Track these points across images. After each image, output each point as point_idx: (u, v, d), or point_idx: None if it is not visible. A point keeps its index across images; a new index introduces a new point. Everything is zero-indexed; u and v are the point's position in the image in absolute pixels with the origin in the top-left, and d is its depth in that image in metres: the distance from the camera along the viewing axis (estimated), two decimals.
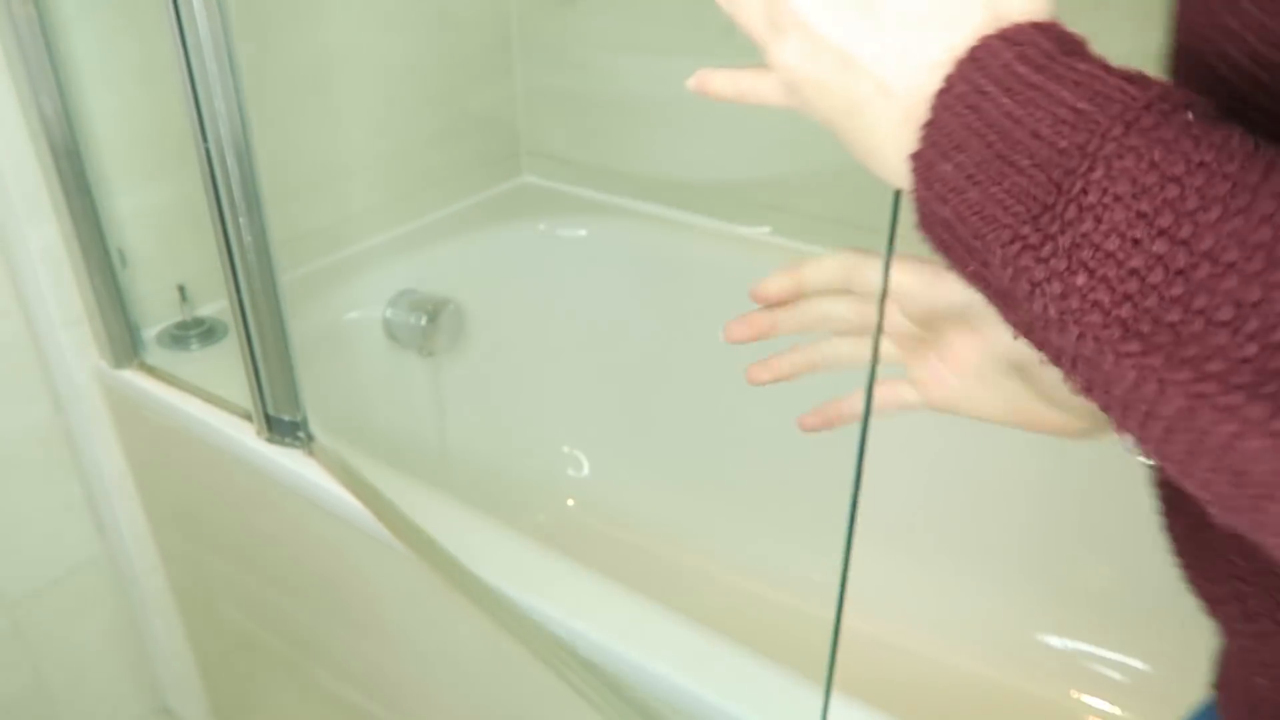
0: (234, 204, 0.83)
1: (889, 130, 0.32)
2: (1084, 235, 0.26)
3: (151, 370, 1.06)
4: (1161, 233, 0.25)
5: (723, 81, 0.42)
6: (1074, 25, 0.30)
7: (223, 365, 1.05)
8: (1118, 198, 0.26)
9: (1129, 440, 0.29)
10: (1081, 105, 0.27)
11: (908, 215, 0.34)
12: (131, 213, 1.05)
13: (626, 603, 0.76)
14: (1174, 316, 0.25)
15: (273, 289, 0.87)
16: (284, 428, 0.93)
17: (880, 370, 0.49)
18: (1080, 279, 0.27)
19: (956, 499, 1.18)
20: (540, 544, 0.82)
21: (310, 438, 0.93)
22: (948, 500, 1.18)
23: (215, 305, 1.14)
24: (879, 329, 0.49)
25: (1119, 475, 1.09)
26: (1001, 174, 0.29)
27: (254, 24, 1.07)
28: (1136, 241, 0.26)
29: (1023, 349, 0.34)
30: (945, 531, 1.19)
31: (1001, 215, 0.29)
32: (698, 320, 1.33)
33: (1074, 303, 0.27)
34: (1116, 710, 1.10)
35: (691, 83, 0.43)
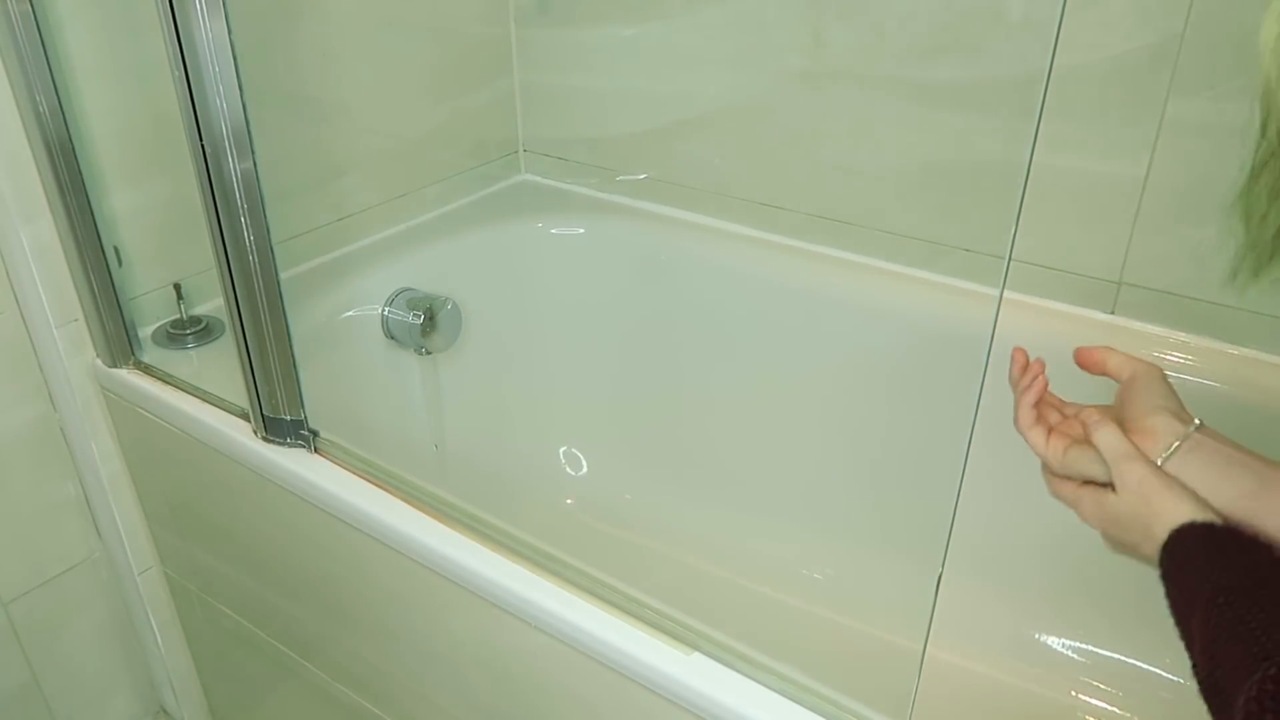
0: (231, 202, 0.82)
1: (1151, 550, 0.59)
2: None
3: (147, 369, 1.05)
4: None
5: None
6: None
7: (219, 364, 1.04)
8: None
9: None
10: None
11: None
12: (127, 210, 1.04)
13: (625, 600, 0.76)
14: None
15: (275, 288, 0.86)
16: (285, 427, 0.93)
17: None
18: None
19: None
20: (539, 542, 0.81)
21: (315, 434, 0.92)
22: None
23: (212, 304, 1.14)
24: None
25: None
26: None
27: (253, 22, 1.06)
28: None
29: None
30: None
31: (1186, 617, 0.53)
32: (696, 319, 1.32)
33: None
34: (1116, 710, 1.10)
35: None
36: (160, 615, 1.25)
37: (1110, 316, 1.08)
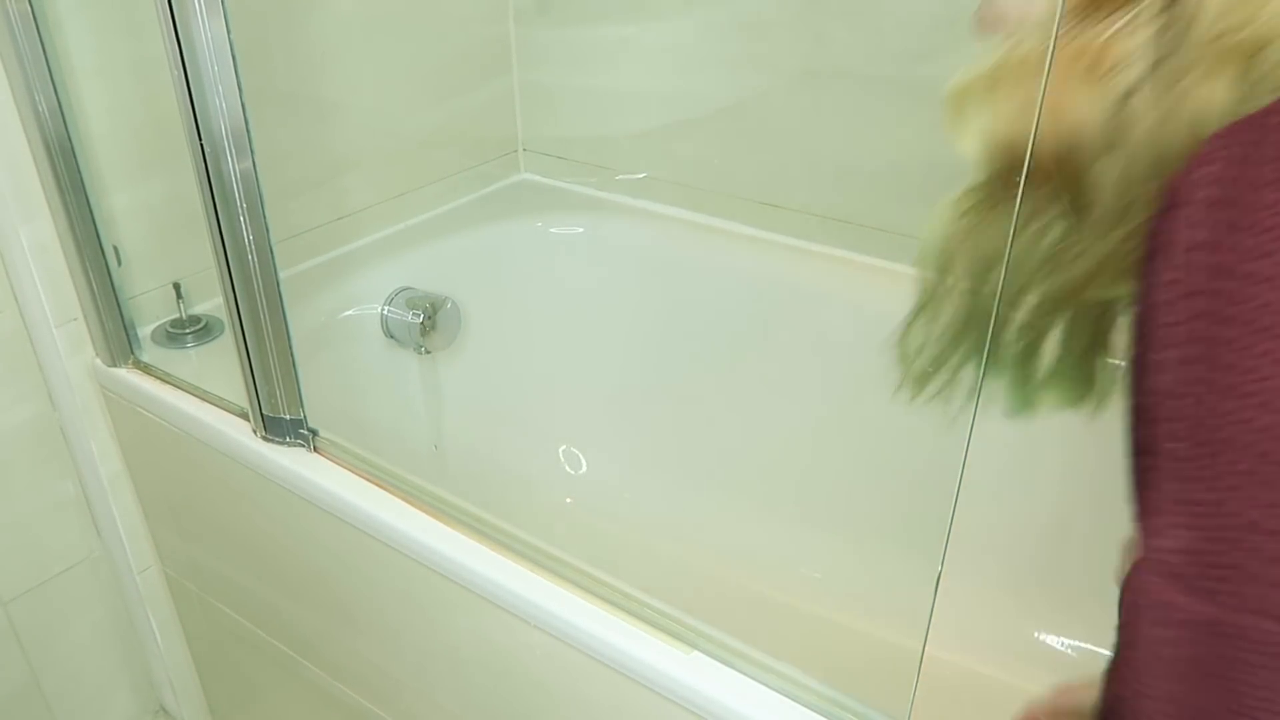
0: (231, 202, 0.82)
1: None
2: None
3: (147, 368, 1.05)
4: None
5: None
6: None
7: (219, 363, 1.04)
8: None
9: None
10: None
11: None
12: (126, 209, 1.04)
13: (625, 599, 0.76)
14: None
15: (275, 287, 0.86)
16: (284, 426, 0.93)
17: None
18: None
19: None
20: (539, 541, 0.81)
21: (314, 433, 0.92)
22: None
23: (211, 303, 1.14)
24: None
25: (1121, 474, 1.09)
26: None
27: (253, 22, 1.06)
28: None
29: None
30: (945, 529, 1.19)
31: None
32: (695, 318, 1.32)
33: None
34: None
35: None
36: (160, 614, 1.25)
37: None
